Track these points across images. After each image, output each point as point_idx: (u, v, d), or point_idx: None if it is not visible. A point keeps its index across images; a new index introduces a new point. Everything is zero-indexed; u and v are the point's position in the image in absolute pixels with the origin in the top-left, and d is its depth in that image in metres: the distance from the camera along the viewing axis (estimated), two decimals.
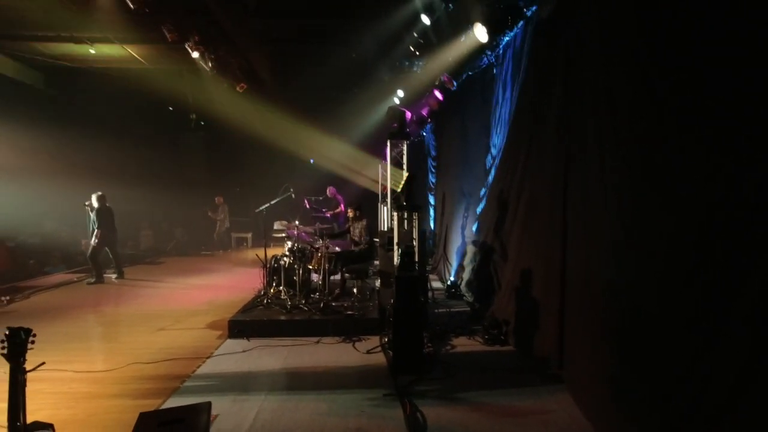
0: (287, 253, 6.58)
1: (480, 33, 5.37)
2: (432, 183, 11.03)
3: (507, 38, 5.48)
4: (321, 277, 6.33)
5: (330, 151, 14.13)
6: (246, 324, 5.37)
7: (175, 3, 7.50)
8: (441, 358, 4.67)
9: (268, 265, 6.56)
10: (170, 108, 13.26)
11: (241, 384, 4.06)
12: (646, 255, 2.82)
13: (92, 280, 8.57)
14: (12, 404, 2.24)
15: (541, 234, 4.52)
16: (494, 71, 6.26)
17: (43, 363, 2.50)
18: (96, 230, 8.54)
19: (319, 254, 6.32)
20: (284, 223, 7.64)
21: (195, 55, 8.47)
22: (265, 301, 6.07)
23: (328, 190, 11.15)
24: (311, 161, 15.07)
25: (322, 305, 5.81)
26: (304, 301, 5.96)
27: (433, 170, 10.92)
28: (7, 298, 7.20)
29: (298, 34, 9.33)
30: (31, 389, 2.58)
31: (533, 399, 3.73)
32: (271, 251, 7.00)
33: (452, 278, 7.56)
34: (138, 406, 3.55)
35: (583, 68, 3.74)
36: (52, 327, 5.76)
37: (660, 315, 2.66)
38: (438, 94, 7.30)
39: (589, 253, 3.57)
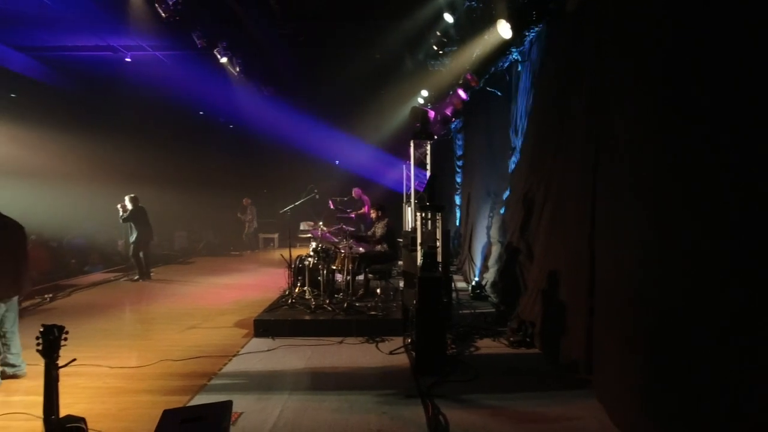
0: (311, 253, 6.64)
1: (503, 29, 5.27)
2: (458, 183, 10.92)
3: (532, 34, 5.35)
4: (345, 278, 6.36)
5: (355, 152, 14.22)
6: (271, 323, 5.45)
7: (204, 10, 7.72)
8: (464, 359, 4.61)
9: (292, 266, 6.64)
10: (200, 112, 13.65)
11: (265, 382, 4.12)
12: (679, 258, 2.68)
13: (135, 277, 8.95)
14: (47, 398, 2.35)
15: (568, 235, 4.39)
16: (519, 68, 6.13)
17: (75, 359, 2.61)
18: (133, 231, 8.90)
19: (343, 254, 6.35)
20: (310, 223, 7.74)
21: (223, 60, 8.69)
22: (289, 301, 6.15)
23: (353, 192, 11.20)
24: (336, 162, 15.20)
25: (345, 305, 5.84)
26: (327, 301, 6.01)
27: (459, 170, 10.81)
28: (50, 295, 7.58)
29: (322, 36, 9.42)
30: (68, 383, 2.71)
31: (560, 404, 3.62)
32: (298, 251, 7.10)
33: (477, 279, 7.45)
34: (167, 402, 3.66)
35: (614, 64, 3.58)
36: (89, 324, 6.02)
37: (694, 321, 2.53)
38: (462, 93, 7.21)
39: (618, 255, 3.44)
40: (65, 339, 2.46)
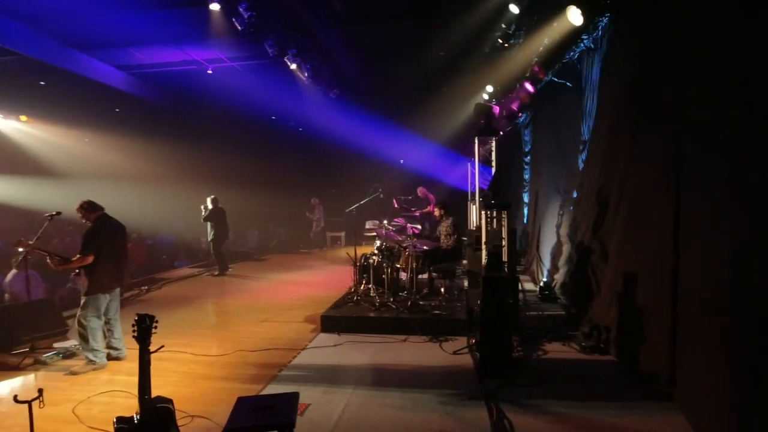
0: (376, 251, 6.76)
1: (574, 16, 4.98)
2: (525, 180, 10.51)
3: (605, 20, 5.01)
4: (408, 276, 6.40)
5: (419, 150, 14.21)
6: (337, 319, 5.64)
7: (275, 21, 8.13)
8: (531, 363, 4.45)
9: (358, 264, 6.81)
10: (272, 117, 14.40)
11: (331, 376, 4.28)
12: None
13: (216, 272, 9.71)
14: (141, 380, 2.63)
15: (647, 234, 4.06)
16: (591, 57, 5.77)
17: (163, 346, 2.90)
18: (211, 229, 9.65)
19: (407, 253, 6.39)
20: (375, 222, 7.88)
21: (293, 66, 9.10)
22: (355, 298, 6.31)
23: (418, 190, 11.20)
24: (401, 161, 15.29)
25: (409, 304, 5.87)
26: (392, 299, 6.08)
27: (526, 166, 10.40)
28: (146, 287, 8.45)
29: (386, 36, 9.53)
30: (158, 367, 3.02)
31: (637, 416, 3.37)
32: (363, 249, 7.26)
33: (545, 279, 7.13)
34: (242, 389, 3.95)
35: (708, 49, 3.24)
36: (177, 314, 6.63)
37: None
38: (529, 86, 6.93)
39: (708, 256, 3.12)
40: (155, 327, 2.74)
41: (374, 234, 7.72)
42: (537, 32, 6.23)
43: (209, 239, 9.80)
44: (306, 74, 9.60)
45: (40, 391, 2.56)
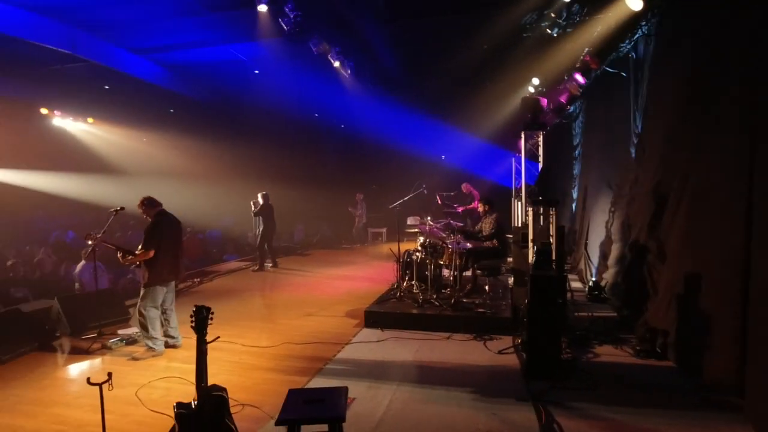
0: (419, 248, 6.74)
1: (633, 1, 4.72)
2: (575, 175, 10.12)
3: (665, 3, 4.70)
4: (452, 273, 6.34)
5: (461, 146, 14.01)
6: (380, 315, 5.68)
7: (320, 20, 8.25)
8: (581, 366, 4.29)
9: (401, 260, 6.82)
10: (316, 114, 14.67)
11: (375, 372, 4.32)
12: None
13: (256, 267, 10.04)
14: (198, 368, 2.77)
15: (713, 232, 3.81)
16: (650, 45, 5.45)
17: (219, 337, 3.03)
18: (260, 224, 9.98)
19: (450, 250, 6.33)
20: (417, 218, 7.85)
21: (336, 64, 9.21)
22: (398, 294, 6.33)
23: (463, 186, 11.05)
24: (442, 157, 15.14)
25: (453, 301, 5.82)
26: (435, 296, 6.05)
27: (576, 161, 10.00)
28: (198, 280, 8.87)
29: (428, 31, 9.43)
30: (213, 356, 3.16)
31: (696, 426, 3.19)
32: (406, 246, 7.26)
33: (594, 279, 6.84)
34: (289, 381, 4.07)
35: None
36: (228, 306, 6.91)
37: None
38: (579, 77, 6.64)
39: None
40: (211, 318, 2.87)
41: (416, 230, 7.70)
42: (590, 20, 5.96)
43: (257, 234, 10.13)
44: (348, 71, 9.69)
45: (110, 374, 2.75)
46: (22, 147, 11.59)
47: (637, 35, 5.51)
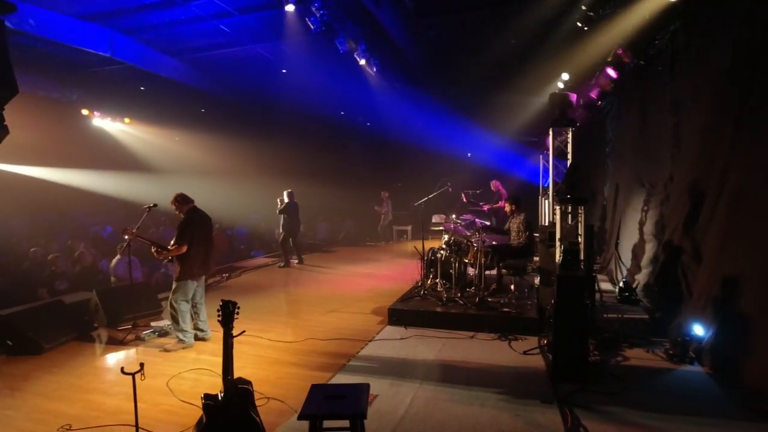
0: (444, 246, 6.69)
1: None
2: (607, 172, 9.81)
3: None
4: (477, 272, 6.27)
5: (487, 143, 13.83)
6: (404, 313, 5.68)
7: (346, 18, 8.30)
8: (610, 369, 4.17)
9: (425, 258, 6.79)
10: (341, 113, 14.77)
11: (397, 369, 4.33)
12: None
13: (282, 264, 10.20)
14: (225, 361, 2.85)
15: (754, 232, 3.63)
16: (687, 36, 5.22)
17: (244, 331, 3.10)
18: (283, 222, 10.13)
19: (475, 248, 6.26)
20: (442, 216, 7.80)
21: (362, 62, 9.23)
22: (421, 292, 6.32)
23: (492, 184, 10.89)
24: (468, 155, 14.98)
25: (477, 300, 5.76)
26: (459, 295, 6.01)
27: (607, 158, 9.70)
28: (227, 275, 9.10)
29: (455, 27, 9.33)
30: (238, 350, 3.25)
31: None
32: (430, 244, 7.23)
33: (625, 280, 6.62)
34: (312, 376, 4.13)
35: None
36: (254, 301, 7.06)
37: None
38: (611, 72, 6.44)
39: None
40: (237, 313, 2.94)
41: (441, 228, 7.65)
42: (623, 12, 5.75)
43: (281, 230, 10.29)
44: (374, 69, 9.70)
45: (142, 365, 2.87)
46: (65, 146, 12.18)
47: (674, 26, 5.29)
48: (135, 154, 13.84)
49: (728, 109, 4.13)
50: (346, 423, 2.55)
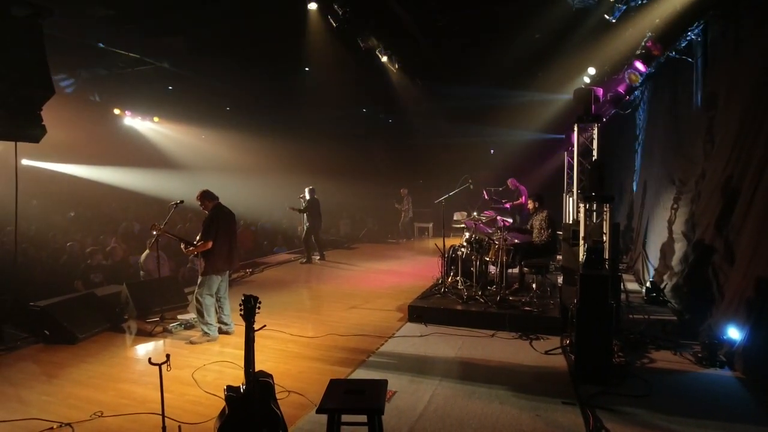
0: (465, 243, 6.65)
1: None
2: (635, 169, 9.53)
3: None
4: (498, 270, 6.21)
5: (511, 140, 13.64)
6: (424, 310, 5.68)
7: (368, 15, 8.30)
8: (635, 372, 4.07)
9: (446, 255, 6.76)
10: (363, 110, 14.82)
11: (417, 366, 4.34)
12: None
13: (304, 260, 10.33)
14: (246, 354, 2.91)
15: None
16: (721, 28, 5.01)
17: (265, 326, 3.17)
18: (306, 218, 10.25)
19: (497, 246, 6.19)
20: (463, 213, 7.74)
21: (384, 59, 9.22)
22: (442, 290, 6.29)
23: (508, 182, 10.75)
24: (491, 152, 14.81)
25: (498, 298, 5.71)
26: (480, 293, 5.96)
27: (635, 154, 9.42)
28: (250, 270, 9.28)
29: (478, 23, 9.21)
30: (260, 344, 3.31)
31: None
32: (451, 241, 7.20)
33: (652, 280, 6.43)
34: (333, 371, 4.18)
35: None
36: (276, 296, 7.18)
37: None
38: (640, 65, 6.24)
39: None
40: (259, 307, 3.00)
41: (462, 225, 7.59)
42: (652, 3, 5.56)
43: (304, 227, 10.40)
44: (396, 66, 9.67)
45: (168, 356, 2.97)
46: (99, 145, 12.66)
47: (708, 16, 5.08)
48: (163, 151, 14.24)
49: (765, 104, 3.95)
50: (364, 418, 2.58)
